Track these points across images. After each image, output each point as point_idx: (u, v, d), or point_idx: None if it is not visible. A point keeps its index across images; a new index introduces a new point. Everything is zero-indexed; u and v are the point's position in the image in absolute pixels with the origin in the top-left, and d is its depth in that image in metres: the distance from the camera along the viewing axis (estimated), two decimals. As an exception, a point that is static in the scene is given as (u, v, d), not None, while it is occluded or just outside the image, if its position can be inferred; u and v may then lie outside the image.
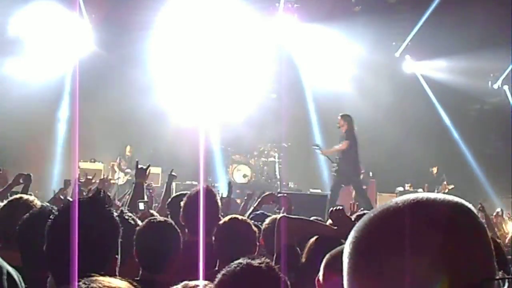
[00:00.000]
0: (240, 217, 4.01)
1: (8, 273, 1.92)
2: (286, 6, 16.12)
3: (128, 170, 15.66)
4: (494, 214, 9.10)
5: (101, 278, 1.43)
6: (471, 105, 18.90)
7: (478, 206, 7.91)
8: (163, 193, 7.09)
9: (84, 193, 7.10)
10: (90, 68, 14.51)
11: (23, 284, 2.00)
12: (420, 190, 15.57)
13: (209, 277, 2.41)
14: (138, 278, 3.12)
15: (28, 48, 15.00)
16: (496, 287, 1.01)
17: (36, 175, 9.77)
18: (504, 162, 15.01)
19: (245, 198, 7.76)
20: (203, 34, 15.35)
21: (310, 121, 17.36)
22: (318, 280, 2.45)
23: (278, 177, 15.49)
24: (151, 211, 5.26)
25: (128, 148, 15.97)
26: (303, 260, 3.34)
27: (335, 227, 3.64)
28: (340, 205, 4.22)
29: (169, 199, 5.21)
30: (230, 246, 3.59)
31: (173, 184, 13.99)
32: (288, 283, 2.26)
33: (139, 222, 3.55)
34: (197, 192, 4.09)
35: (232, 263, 2.22)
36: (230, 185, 8.08)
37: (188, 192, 4.39)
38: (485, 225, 1.02)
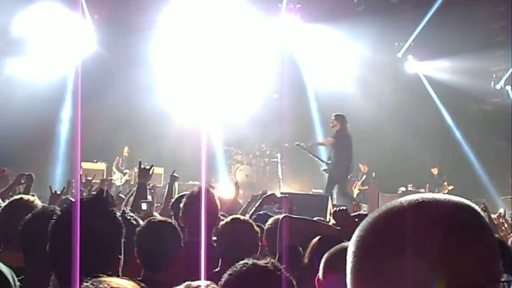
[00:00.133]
0: (241, 217, 4.01)
1: (1, 272, 1.92)
2: (288, 6, 16.13)
3: (126, 171, 15.71)
4: (497, 214, 9.09)
5: (108, 278, 1.43)
6: (474, 106, 18.89)
7: (481, 206, 7.89)
8: (165, 194, 7.08)
9: (84, 194, 7.11)
10: (92, 68, 14.52)
11: (17, 284, 1.99)
12: (422, 190, 15.57)
13: (211, 277, 2.41)
14: (140, 278, 3.12)
15: (31, 48, 15.05)
16: None
17: (39, 175, 9.79)
18: (506, 163, 14.98)
19: (249, 200, 7.75)
20: (205, 34, 15.36)
21: (312, 121, 17.37)
22: (318, 279, 2.46)
23: (280, 177, 15.49)
24: (154, 213, 5.26)
25: (126, 148, 16.00)
26: (306, 260, 3.34)
27: (338, 228, 3.64)
28: (343, 205, 4.22)
29: (173, 200, 5.21)
30: (232, 247, 3.59)
31: (176, 184, 14.05)
32: (294, 282, 2.26)
33: (141, 222, 3.55)
34: (196, 193, 4.09)
35: (237, 264, 2.22)
36: (237, 185, 8.07)
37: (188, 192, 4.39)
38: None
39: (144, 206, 5.20)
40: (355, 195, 15.79)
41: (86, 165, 14.88)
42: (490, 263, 0.97)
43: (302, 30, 16.57)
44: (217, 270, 3.35)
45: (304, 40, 16.79)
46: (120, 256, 2.16)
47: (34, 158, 14.11)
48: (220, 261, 3.56)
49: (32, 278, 2.58)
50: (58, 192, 6.51)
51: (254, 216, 5.51)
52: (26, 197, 3.67)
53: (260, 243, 3.87)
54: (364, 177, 16.06)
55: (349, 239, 1.05)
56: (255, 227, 3.84)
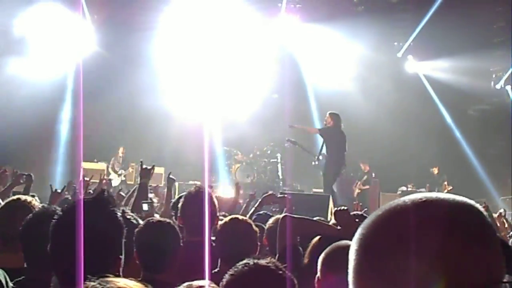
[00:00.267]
0: (240, 217, 4.00)
1: None
2: (288, 6, 16.11)
3: (122, 171, 15.72)
4: (497, 214, 9.09)
5: (115, 279, 1.43)
6: (474, 105, 18.89)
7: (482, 205, 7.88)
8: (165, 196, 7.10)
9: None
10: (92, 68, 14.51)
11: (10, 285, 1.98)
12: (423, 189, 15.57)
13: (211, 277, 2.41)
14: (140, 279, 3.12)
15: (31, 49, 15.05)
16: None
17: (39, 175, 9.81)
18: (506, 163, 14.98)
19: (247, 199, 7.74)
20: (205, 34, 15.35)
21: (312, 121, 17.35)
22: (318, 279, 2.46)
23: (281, 177, 15.49)
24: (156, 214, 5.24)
25: (121, 149, 16.01)
26: (306, 260, 3.34)
27: (339, 227, 3.64)
28: (344, 205, 4.22)
29: (173, 201, 5.20)
30: (231, 247, 3.59)
31: (176, 184, 14.07)
32: (296, 282, 2.26)
33: (141, 223, 3.56)
34: (193, 193, 4.08)
35: (238, 264, 2.22)
36: (238, 186, 8.06)
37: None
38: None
39: (145, 206, 5.18)
40: (355, 195, 15.81)
41: (86, 165, 14.89)
42: (492, 263, 0.96)
43: (302, 30, 16.55)
44: (216, 270, 3.36)
45: (304, 40, 16.77)
46: (121, 257, 2.16)
47: (35, 158, 14.13)
48: (219, 261, 3.56)
49: (33, 279, 2.58)
50: (59, 191, 6.51)
51: (254, 216, 5.51)
52: (23, 197, 3.62)
53: (259, 243, 3.87)
54: (365, 177, 16.06)
55: (349, 239, 1.05)
56: (254, 227, 3.84)
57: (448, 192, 14.54)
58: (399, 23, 16.74)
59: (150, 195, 5.89)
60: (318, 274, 2.46)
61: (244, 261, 2.21)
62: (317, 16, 15.91)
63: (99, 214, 2.13)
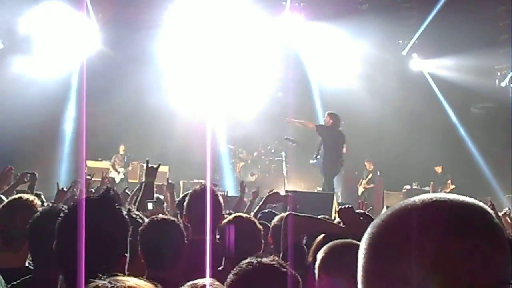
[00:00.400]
0: (244, 215, 3.99)
1: None
2: (293, 5, 16.12)
3: (122, 169, 15.75)
4: (502, 213, 9.06)
5: (125, 278, 1.43)
6: (478, 103, 18.83)
7: (488, 204, 7.87)
8: (168, 201, 7.13)
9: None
10: (97, 67, 14.55)
11: (3, 284, 1.98)
12: (427, 188, 15.55)
13: (215, 275, 2.41)
14: (144, 276, 3.12)
15: (36, 47, 15.08)
16: None
17: (44, 173, 9.84)
18: (511, 161, 14.93)
19: (251, 197, 7.74)
20: (210, 33, 15.36)
21: (317, 120, 17.32)
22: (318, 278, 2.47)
23: (285, 175, 15.49)
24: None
25: (122, 147, 16.04)
26: (310, 258, 3.34)
27: (343, 226, 3.64)
28: (349, 204, 4.22)
29: (178, 199, 5.20)
30: (235, 245, 3.59)
31: (181, 182, 14.10)
32: (300, 280, 2.26)
33: (146, 221, 3.56)
34: (198, 191, 4.08)
35: (242, 262, 2.22)
36: (243, 184, 8.05)
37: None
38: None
39: (150, 205, 5.17)
40: (360, 193, 15.80)
41: (91, 163, 14.92)
42: (501, 263, 0.96)
43: (307, 28, 16.55)
44: (220, 268, 3.36)
45: (308, 38, 16.76)
46: (126, 255, 2.17)
47: (39, 156, 14.16)
48: (223, 259, 3.57)
49: (41, 278, 2.58)
50: (65, 189, 6.52)
51: (259, 214, 5.51)
52: (25, 196, 3.58)
53: (263, 241, 3.87)
54: (370, 175, 16.03)
55: (353, 237, 1.06)
56: (258, 225, 3.84)
57: (452, 190, 14.54)
58: (403, 21, 16.72)
59: (156, 195, 5.89)
60: (317, 273, 2.44)
61: (248, 260, 2.21)
62: (321, 14, 15.91)
63: (105, 212, 2.13)
